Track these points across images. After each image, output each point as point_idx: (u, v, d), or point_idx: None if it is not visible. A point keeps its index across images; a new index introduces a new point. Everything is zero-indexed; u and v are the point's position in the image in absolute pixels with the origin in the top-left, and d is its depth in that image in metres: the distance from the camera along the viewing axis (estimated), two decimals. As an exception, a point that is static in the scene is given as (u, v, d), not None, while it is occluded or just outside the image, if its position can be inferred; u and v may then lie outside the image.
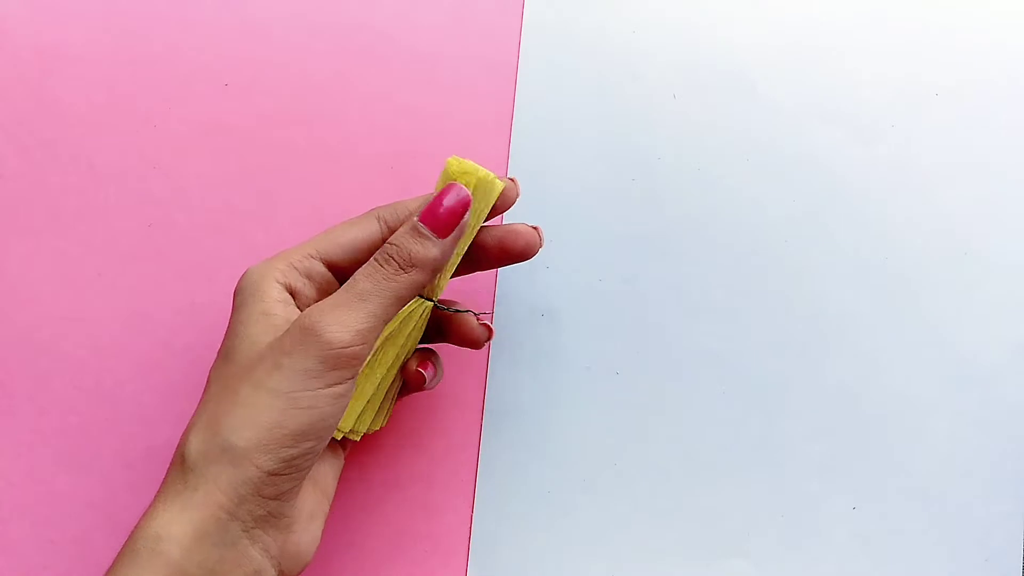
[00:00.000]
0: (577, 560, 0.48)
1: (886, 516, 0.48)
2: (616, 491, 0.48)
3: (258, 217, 0.50)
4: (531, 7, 0.51)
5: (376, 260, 0.37)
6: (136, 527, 0.35)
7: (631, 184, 0.50)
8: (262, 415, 0.34)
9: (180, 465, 0.36)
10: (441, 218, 0.37)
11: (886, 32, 0.52)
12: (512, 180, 0.41)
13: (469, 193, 0.38)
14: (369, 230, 0.40)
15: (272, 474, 0.34)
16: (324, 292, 0.39)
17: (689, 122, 0.51)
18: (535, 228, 0.42)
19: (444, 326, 0.42)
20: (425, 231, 0.37)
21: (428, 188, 0.50)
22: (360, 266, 0.38)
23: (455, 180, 0.39)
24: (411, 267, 0.36)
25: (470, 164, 0.39)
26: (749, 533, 0.48)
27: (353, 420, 0.40)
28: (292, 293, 0.39)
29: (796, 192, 0.50)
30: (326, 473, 0.40)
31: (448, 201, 0.38)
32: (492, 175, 0.40)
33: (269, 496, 0.35)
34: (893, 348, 0.49)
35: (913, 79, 0.51)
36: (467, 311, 0.42)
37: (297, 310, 0.38)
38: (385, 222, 0.40)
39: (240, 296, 0.39)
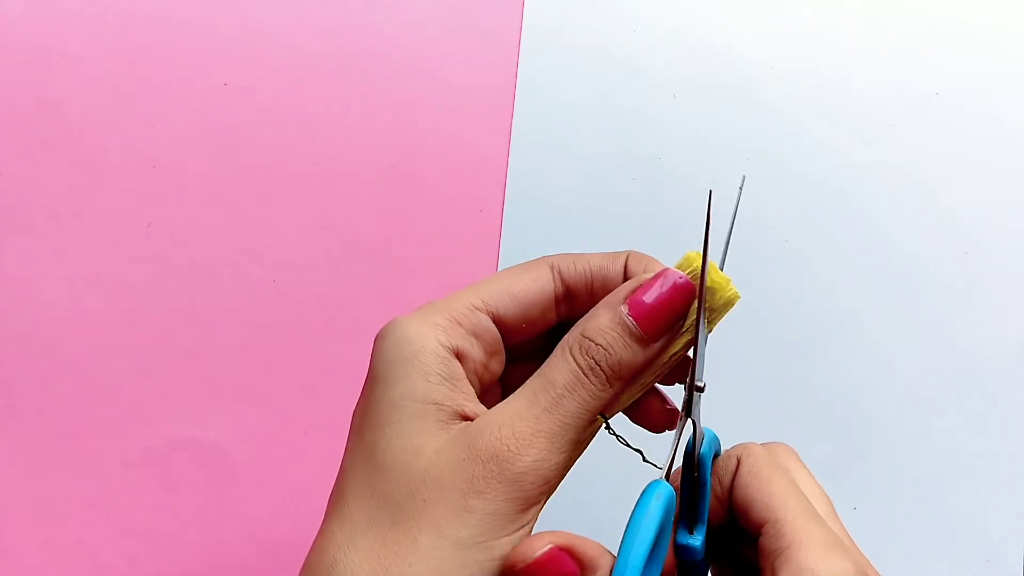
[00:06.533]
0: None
1: (886, 516, 0.48)
2: (616, 491, 0.48)
3: (257, 217, 0.49)
4: (531, 7, 0.51)
5: (578, 365, 0.29)
6: None
7: (631, 184, 0.50)
8: (451, 573, 0.27)
9: None
10: (652, 310, 0.30)
11: (886, 32, 0.52)
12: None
13: (686, 278, 0.31)
14: (542, 281, 0.32)
15: None
16: (491, 355, 0.32)
17: (689, 122, 0.51)
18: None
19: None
20: (636, 329, 0.30)
21: (428, 189, 0.50)
22: (529, 323, 0.31)
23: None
24: (618, 380, 0.29)
25: (721, 276, 0.32)
26: (749, 533, 0.48)
27: None
28: (459, 357, 0.30)
29: (796, 192, 0.50)
30: None
31: (661, 289, 0.31)
32: (731, 287, 0.32)
33: None
34: (893, 348, 0.49)
35: (913, 79, 0.51)
36: (638, 449, 0.34)
37: (463, 392, 0.30)
38: (560, 273, 0.32)
39: (387, 357, 0.30)
